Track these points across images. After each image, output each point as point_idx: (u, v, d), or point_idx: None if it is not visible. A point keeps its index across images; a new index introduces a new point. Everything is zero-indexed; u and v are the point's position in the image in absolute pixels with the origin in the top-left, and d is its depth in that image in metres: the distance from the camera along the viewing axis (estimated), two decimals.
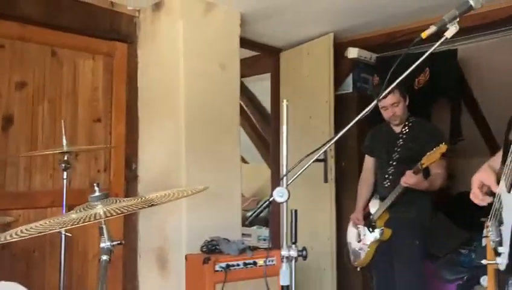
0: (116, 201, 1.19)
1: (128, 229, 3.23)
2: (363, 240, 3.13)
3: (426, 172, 2.89)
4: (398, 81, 1.60)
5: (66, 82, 3.02)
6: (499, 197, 1.46)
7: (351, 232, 3.28)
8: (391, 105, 2.98)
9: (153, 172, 3.25)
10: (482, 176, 1.54)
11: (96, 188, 1.19)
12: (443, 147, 2.64)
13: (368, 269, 3.30)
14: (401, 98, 2.98)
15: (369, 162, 3.34)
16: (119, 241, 1.21)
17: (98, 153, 3.15)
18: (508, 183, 1.39)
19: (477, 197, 1.54)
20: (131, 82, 3.33)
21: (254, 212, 1.59)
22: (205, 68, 3.17)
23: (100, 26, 3.15)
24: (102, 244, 1.18)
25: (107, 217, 1.06)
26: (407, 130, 3.06)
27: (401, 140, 3.07)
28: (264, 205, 1.55)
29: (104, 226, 1.17)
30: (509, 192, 1.38)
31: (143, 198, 1.24)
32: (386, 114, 3.04)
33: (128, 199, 1.24)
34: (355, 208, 3.29)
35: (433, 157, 2.67)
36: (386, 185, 3.06)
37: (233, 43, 3.39)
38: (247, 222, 1.55)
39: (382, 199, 3.04)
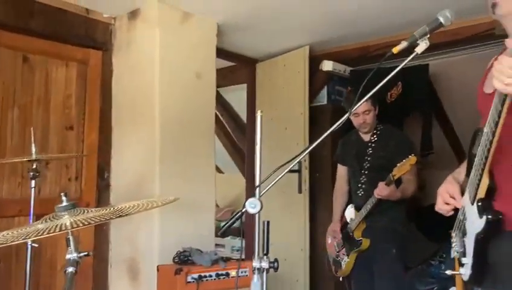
0: (83, 211, 1.17)
1: (100, 239, 3.17)
2: (342, 250, 3.14)
3: (398, 179, 2.91)
4: (369, 94, 1.63)
5: (38, 89, 2.96)
6: (463, 209, 1.49)
7: (331, 243, 3.28)
8: (363, 112, 3.02)
9: (125, 181, 3.21)
10: (448, 188, 1.57)
11: (63, 198, 1.16)
12: (412, 159, 2.67)
13: (347, 278, 3.31)
14: (372, 106, 3.02)
15: (341, 170, 3.36)
16: (86, 253, 1.18)
17: (70, 161, 3.09)
18: (472, 195, 1.42)
19: (444, 208, 1.57)
20: (105, 90, 3.29)
21: (226, 224, 1.58)
22: (181, 77, 3.16)
23: (74, 33, 3.11)
24: (68, 256, 1.15)
25: (74, 228, 1.04)
26: (375, 138, 3.10)
27: (370, 149, 3.10)
28: (236, 216, 1.54)
29: (70, 237, 1.14)
30: (472, 204, 1.41)
31: (111, 209, 1.22)
32: (356, 121, 3.07)
33: (97, 209, 1.22)
34: (332, 219, 3.30)
35: (403, 169, 2.70)
36: (360, 195, 3.08)
37: (210, 53, 3.40)
38: (219, 233, 1.54)
39: (357, 208, 3.06)
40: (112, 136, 3.28)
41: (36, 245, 2.38)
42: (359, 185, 3.11)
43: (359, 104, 1.88)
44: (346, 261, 3.09)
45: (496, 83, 1.16)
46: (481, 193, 1.38)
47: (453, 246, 1.53)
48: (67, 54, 3.09)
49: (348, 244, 3.08)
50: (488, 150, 1.31)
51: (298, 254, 3.91)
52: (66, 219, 1.09)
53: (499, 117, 1.24)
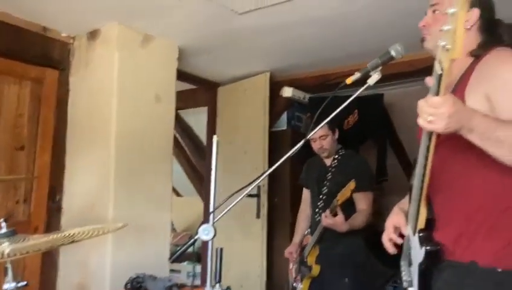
0: (24, 239, 1.11)
1: (47, 264, 3.04)
2: (298, 276, 3.12)
3: (352, 207, 2.92)
4: (325, 121, 1.67)
5: None
6: (408, 239, 1.52)
7: (291, 268, 3.25)
8: (319, 138, 3.03)
9: (78, 204, 3.10)
10: (394, 220, 1.61)
11: (3, 224, 1.11)
12: (352, 184, 2.68)
13: None
14: (329, 131, 3.03)
15: (305, 193, 3.34)
16: (25, 283, 1.12)
17: (19, 182, 2.96)
18: (413, 226, 1.45)
19: (388, 244, 1.61)
20: (60, 110, 3.20)
21: (178, 251, 1.55)
22: (139, 99, 3.12)
23: (30, 50, 3.03)
24: (5, 286, 1.08)
25: (10, 257, 0.98)
26: (336, 163, 3.09)
27: (330, 173, 3.09)
28: (189, 243, 1.51)
29: (9, 266, 1.08)
30: (414, 235, 1.44)
31: (55, 235, 1.17)
32: (314, 146, 3.09)
33: (39, 236, 1.17)
34: (292, 242, 3.27)
35: (345, 194, 2.70)
36: (317, 219, 3.04)
37: (170, 76, 3.38)
38: (171, 259, 1.49)
39: (312, 233, 3.05)
40: (65, 157, 3.18)
41: None
42: (316, 209, 3.11)
43: (314, 130, 1.93)
44: (301, 288, 3.07)
45: (419, 120, 1.21)
46: (421, 224, 1.41)
47: (402, 275, 1.55)
48: (20, 72, 3.00)
49: (302, 270, 3.07)
50: (422, 182, 1.34)
51: (255, 281, 3.87)
52: (5, 247, 1.04)
53: (428, 151, 1.28)
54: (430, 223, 1.42)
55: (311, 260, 3.00)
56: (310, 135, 1.93)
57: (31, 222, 2.97)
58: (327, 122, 2.96)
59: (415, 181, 1.38)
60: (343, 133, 3.99)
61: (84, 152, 3.11)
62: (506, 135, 1.21)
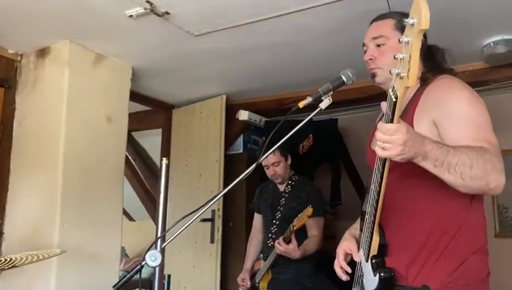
0: None
1: None
2: None
3: (303, 234, 2.94)
4: (276, 146, 1.66)
5: None
6: (360, 265, 1.52)
7: None
8: (272, 164, 3.06)
9: (22, 229, 2.94)
10: (345, 246, 1.62)
11: None
12: (309, 210, 2.71)
13: None
14: (282, 157, 3.06)
15: (257, 219, 3.35)
16: None
17: None
18: (366, 252, 1.46)
19: (339, 271, 1.62)
20: (5, 129, 3.05)
21: (122, 278, 1.48)
22: (89, 120, 3.03)
23: None
24: None
25: None
26: (289, 189, 3.12)
27: (283, 199, 3.11)
28: (135, 269, 1.45)
29: None
30: (367, 261, 1.45)
31: None
32: (268, 173, 3.11)
33: None
34: (243, 268, 3.24)
35: (302, 220, 2.72)
36: (270, 245, 3.05)
37: (123, 97, 3.31)
38: (115, 288, 1.41)
39: (265, 259, 3.04)
40: (9, 179, 3.03)
41: None
42: (269, 234, 3.10)
43: (269, 152, 1.91)
44: None
45: (375, 147, 1.23)
46: (373, 250, 1.42)
47: None
48: None
49: None
50: (375, 209, 1.36)
51: None
52: None
53: (382, 178, 1.29)
54: (382, 249, 1.43)
55: (263, 285, 2.98)
56: (260, 160, 1.92)
57: None
58: (279, 149, 3.01)
59: (368, 208, 1.39)
60: (299, 157, 4.03)
61: (29, 173, 2.97)
62: (457, 160, 1.24)
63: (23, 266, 1.20)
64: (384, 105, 1.22)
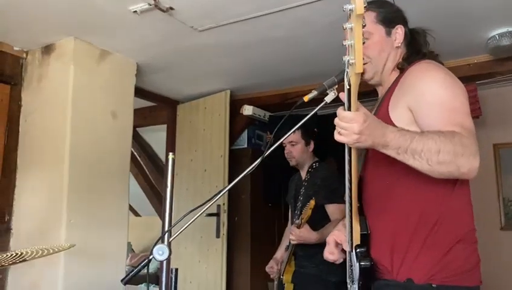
0: None
1: None
2: None
3: (327, 219, 2.81)
4: (301, 123, 1.65)
5: None
6: (350, 256, 1.50)
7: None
8: (289, 142, 2.95)
9: (29, 225, 2.96)
10: (335, 235, 1.61)
11: None
12: (312, 203, 2.63)
13: None
14: (301, 139, 2.95)
15: (291, 211, 3.21)
16: None
17: None
18: (349, 242, 1.44)
19: (332, 255, 1.61)
20: (12, 126, 3.08)
21: (130, 273, 1.49)
22: (95, 116, 3.04)
23: None
24: None
25: None
26: (308, 177, 2.99)
27: (303, 187, 2.99)
28: (143, 263, 1.46)
29: None
30: (351, 251, 1.43)
31: (1, 256, 1.10)
32: (285, 151, 3.01)
33: None
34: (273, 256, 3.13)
35: (307, 213, 2.64)
36: None
37: (128, 92, 3.32)
38: (123, 282, 1.41)
39: (287, 249, 2.94)
40: (16, 175, 3.05)
41: None
42: (293, 225, 3.04)
43: (272, 146, 1.88)
44: None
45: (335, 134, 1.24)
46: (356, 240, 1.41)
47: None
48: None
49: (278, 287, 2.97)
50: (350, 197, 1.34)
51: None
52: None
53: (350, 165, 1.29)
54: (366, 238, 1.42)
55: (287, 278, 2.88)
56: (267, 152, 1.92)
57: None
58: (301, 130, 2.91)
59: (346, 197, 1.38)
60: None
61: (36, 170, 2.99)
62: (422, 146, 1.23)
63: (32, 261, 1.21)
64: (342, 95, 1.23)
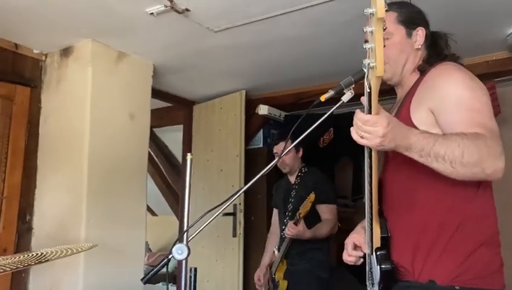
0: None
1: (17, 288, 2.93)
2: None
3: (318, 220, 2.98)
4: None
5: None
6: (369, 258, 1.49)
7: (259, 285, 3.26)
8: (280, 152, 3.06)
9: (49, 225, 3.02)
10: (354, 238, 1.60)
11: None
12: (312, 196, 2.78)
13: None
14: (292, 148, 3.07)
15: (275, 215, 3.41)
16: None
17: None
18: (369, 245, 1.44)
19: (350, 258, 1.59)
20: (32, 128, 3.13)
21: (150, 272, 1.51)
22: (113, 117, 3.08)
23: (0, 67, 2.97)
24: None
25: None
26: (298, 181, 3.19)
27: (294, 191, 3.18)
28: (162, 263, 1.48)
29: None
30: (371, 254, 1.43)
31: (22, 256, 1.13)
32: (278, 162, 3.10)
33: (7, 257, 1.13)
34: (260, 264, 3.28)
35: (306, 206, 2.78)
36: (283, 236, 3.09)
37: (145, 94, 3.36)
38: (143, 281, 1.44)
39: (279, 249, 3.08)
40: (36, 176, 3.11)
41: None
42: (283, 227, 3.15)
43: (287, 150, 1.90)
44: None
45: (353, 135, 1.22)
46: (376, 243, 1.40)
47: None
48: None
49: (271, 286, 3.08)
50: (370, 200, 1.33)
51: None
52: None
53: (370, 169, 1.28)
54: (386, 241, 1.41)
55: (279, 275, 3.03)
56: (283, 154, 1.96)
57: (0, 243, 2.87)
58: (291, 139, 2.98)
59: (366, 199, 1.37)
60: (319, 150, 4.03)
61: (56, 171, 3.04)
62: (446, 149, 1.22)
63: (53, 262, 1.23)
64: (363, 99, 1.21)
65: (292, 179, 3.23)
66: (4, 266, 1.01)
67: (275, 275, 3.03)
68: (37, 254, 1.24)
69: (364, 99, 1.21)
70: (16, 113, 3.05)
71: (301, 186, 3.15)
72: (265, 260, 3.26)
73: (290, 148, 2.76)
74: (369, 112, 1.18)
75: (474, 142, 1.23)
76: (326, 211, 3.02)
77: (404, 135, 1.22)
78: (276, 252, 3.11)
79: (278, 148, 3.14)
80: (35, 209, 3.08)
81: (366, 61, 1.13)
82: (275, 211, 3.41)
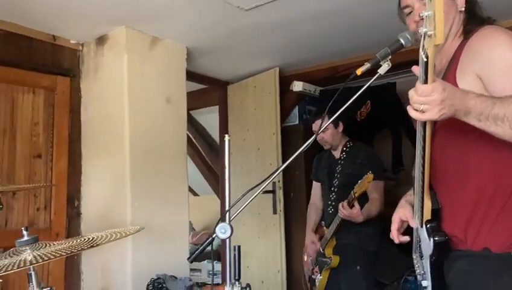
0: (46, 245, 1.14)
1: (71, 270, 3.08)
2: (316, 268, 3.14)
3: (364, 197, 2.92)
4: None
5: (2, 116, 2.89)
6: (417, 231, 1.49)
7: (306, 260, 3.27)
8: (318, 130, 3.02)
9: (96, 209, 3.14)
10: (400, 213, 1.58)
11: (24, 232, 1.13)
12: (370, 176, 2.69)
13: None
14: (330, 124, 3.00)
15: (315, 187, 3.37)
16: (49, 288, 1.14)
17: (38, 190, 3.01)
18: (419, 218, 1.42)
19: (396, 238, 1.58)
20: (74, 116, 3.24)
21: (196, 250, 1.55)
22: (150, 102, 3.14)
23: (40, 59, 3.07)
24: None
25: (32, 264, 1.00)
26: (344, 156, 3.13)
27: (339, 166, 3.13)
28: (207, 242, 1.52)
29: (32, 273, 1.10)
30: (421, 227, 1.41)
31: (74, 241, 1.19)
32: (318, 139, 3.06)
33: (59, 242, 1.19)
34: (306, 234, 3.28)
35: (363, 186, 2.72)
36: (330, 212, 3.09)
37: (180, 77, 3.40)
38: (190, 260, 1.48)
39: (328, 226, 3.07)
40: (81, 163, 3.23)
41: (1, 280, 2.29)
42: (329, 202, 3.13)
43: (324, 126, 1.87)
44: (320, 279, 3.08)
45: (410, 111, 1.18)
46: (427, 215, 1.39)
47: (416, 268, 1.52)
48: (32, 81, 3.04)
49: (321, 261, 3.08)
50: (422, 173, 1.31)
51: (275, 276, 3.88)
52: (28, 254, 1.06)
53: (424, 141, 1.26)
54: (436, 213, 1.40)
55: (328, 251, 3.02)
56: (320, 131, 1.93)
57: (52, 229, 3.02)
58: (328, 116, 2.96)
59: (416, 172, 1.35)
60: (357, 124, 3.97)
61: (99, 157, 3.15)
62: (505, 111, 1.18)
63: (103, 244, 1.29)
64: (416, 69, 1.17)
65: (336, 154, 3.16)
66: (60, 251, 1.07)
67: (324, 250, 3.04)
68: (88, 239, 1.30)
69: (417, 69, 1.17)
70: (58, 103, 3.16)
71: (347, 162, 3.09)
72: (309, 228, 3.26)
73: (326, 125, 2.71)
74: (424, 82, 1.15)
75: None
76: (374, 190, 2.94)
77: (461, 98, 1.19)
78: (325, 228, 3.11)
79: (315, 126, 3.09)
80: (82, 195, 3.20)
81: (422, 30, 1.10)
82: (316, 184, 3.38)
